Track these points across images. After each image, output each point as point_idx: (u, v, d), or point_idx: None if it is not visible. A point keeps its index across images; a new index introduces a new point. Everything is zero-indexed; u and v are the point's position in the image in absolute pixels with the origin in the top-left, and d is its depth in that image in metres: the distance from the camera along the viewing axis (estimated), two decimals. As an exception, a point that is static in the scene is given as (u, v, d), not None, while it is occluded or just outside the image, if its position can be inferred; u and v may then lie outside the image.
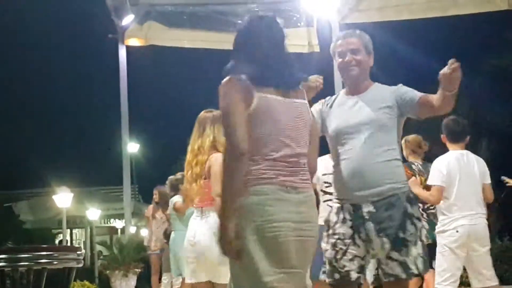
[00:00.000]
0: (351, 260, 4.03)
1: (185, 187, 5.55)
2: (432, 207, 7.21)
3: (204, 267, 5.23)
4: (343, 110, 4.17)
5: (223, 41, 12.61)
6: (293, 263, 3.29)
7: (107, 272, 13.06)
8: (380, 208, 3.93)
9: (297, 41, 12.69)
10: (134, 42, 12.58)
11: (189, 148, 5.51)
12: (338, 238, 4.06)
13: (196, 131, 5.52)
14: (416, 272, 3.92)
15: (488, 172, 6.47)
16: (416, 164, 7.50)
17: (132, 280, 13.22)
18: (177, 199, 9.14)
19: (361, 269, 4.05)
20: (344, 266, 4.03)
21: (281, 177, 3.29)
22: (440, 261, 6.28)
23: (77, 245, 23.82)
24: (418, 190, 6.62)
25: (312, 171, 3.46)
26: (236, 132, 3.21)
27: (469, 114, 15.32)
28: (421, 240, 3.97)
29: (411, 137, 7.55)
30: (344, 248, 4.04)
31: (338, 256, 4.05)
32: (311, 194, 3.37)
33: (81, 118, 32.14)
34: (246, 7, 12.31)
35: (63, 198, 20.76)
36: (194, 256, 5.32)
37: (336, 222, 4.09)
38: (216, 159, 5.09)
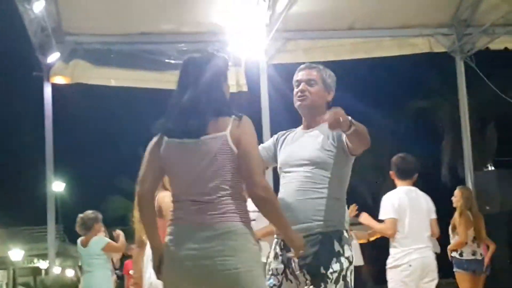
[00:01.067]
0: None
1: (138, 228, 5.53)
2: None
3: None
4: (292, 145, 4.22)
5: (150, 79, 12.66)
6: None
7: (31, 315, 12.75)
8: (307, 244, 3.89)
9: (225, 81, 12.80)
10: (59, 80, 12.44)
11: None
12: (272, 274, 4.08)
13: None
14: None
15: (434, 208, 6.73)
16: None
17: (58, 322, 12.93)
18: (106, 239, 8.88)
19: None
20: None
21: (184, 216, 3.43)
22: None
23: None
24: (373, 223, 6.74)
25: (258, 196, 3.42)
26: (139, 174, 3.59)
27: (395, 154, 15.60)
28: (345, 280, 3.94)
29: None
30: (278, 284, 4.06)
31: None
32: (225, 227, 3.36)
33: (5, 156, 31.46)
34: (174, 46, 12.37)
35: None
36: None
37: (272, 257, 4.14)
38: (163, 198, 5.10)
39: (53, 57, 12.12)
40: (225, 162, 3.39)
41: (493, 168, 20.95)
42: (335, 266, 3.92)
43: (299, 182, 4.03)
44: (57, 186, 24.52)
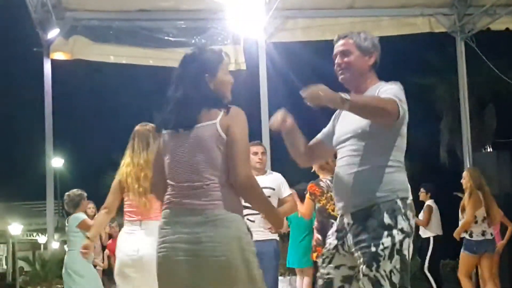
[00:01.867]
0: (336, 267, 3.91)
1: (135, 200, 5.49)
2: None
3: (148, 282, 4.88)
4: (342, 119, 4.04)
5: (149, 57, 12.66)
6: (186, 283, 3.47)
7: (29, 288, 12.86)
8: (357, 220, 3.77)
9: (224, 59, 12.81)
10: (59, 56, 12.45)
11: (130, 161, 5.52)
12: (326, 248, 3.99)
13: (136, 145, 5.52)
14: None
15: None
16: (324, 180, 7.71)
17: (56, 297, 13.02)
18: (83, 216, 8.79)
19: (347, 279, 3.89)
20: (328, 273, 3.93)
21: (177, 200, 3.54)
22: None
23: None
24: None
25: (239, 184, 3.49)
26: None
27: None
28: (400, 254, 3.70)
29: None
30: (330, 256, 3.94)
31: (324, 265, 3.96)
32: (214, 215, 3.45)
33: (4, 131, 31.50)
34: (172, 24, 12.36)
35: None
36: (136, 271, 5.27)
37: (331, 232, 4.02)
38: None
39: (53, 33, 12.13)
40: (215, 150, 3.50)
41: (491, 149, 20.99)
42: (386, 241, 3.67)
43: (346, 157, 3.88)
44: (57, 162, 24.56)
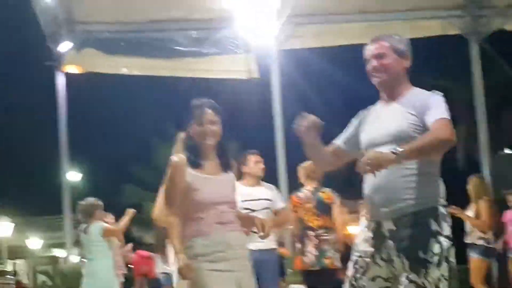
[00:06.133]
0: (372, 280, 3.81)
1: None
2: (325, 234, 7.48)
3: None
4: (374, 121, 3.95)
5: (161, 67, 12.66)
6: None
7: (51, 302, 12.87)
8: (401, 226, 3.70)
9: (236, 67, 12.77)
10: (72, 69, 12.48)
11: None
12: (359, 256, 3.86)
13: None
14: None
15: None
16: (305, 191, 7.75)
17: (76, 309, 13.00)
18: (103, 224, 8.73)
19: None
20: (364, 286, 3.82)
21: None
22: None
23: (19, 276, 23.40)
24: None
25: None
26: None
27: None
28: (448, 261, 3.68)
29: (306, 163, 7.65)
30: (365, 266, 3.82)
31: (358, 275, 3.85)
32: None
33: (20, 147, 31.62)
34: (184, 33, 12.34)
35: (2, 228, 20.36)
36: None
37: (361, 240, 3.90)
38: None
39: (64, 46, 12.14)
40: None
41: (509, 151, 20.79)
42: (435, 248, 3.65)
43: None
44: (73, 175, 24.61)
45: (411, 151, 3.53)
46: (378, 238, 3.80)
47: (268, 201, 6.59)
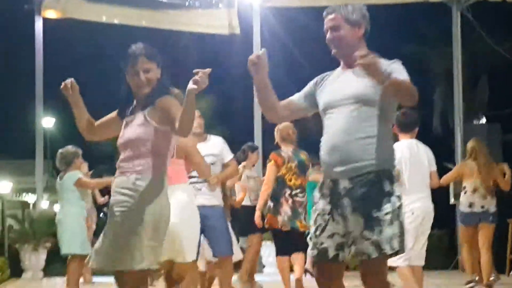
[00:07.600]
0: (329, 237, 3.92)
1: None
2: (300, 195, 7.52)
3: (166, 245, 4.62)
4: (333, 85, 4.04)
5: (141, 18, 12.53)
6: None
7: (17, 246, 12.88)
8: (356, 185, 3.83)
9: (217, 22, 12.67)
10: (51, 14, 12.32)
11: None
12: (318, 214, 3.97)
13: None
14: (389, 252, 3.78)
15: (434, 160, 6.93)
16: (285, 151, 7.80)
17: (43, 255, 13.04)
18: (79, 174, 8.70)
19: (341, 247, 3.92)
20: (322, 243, 3.93)
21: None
22: None
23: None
24: None
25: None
26: None
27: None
28: (399, 220, 3.83)
29: (282, 125, 7.76)
30: (323, 224, 3.94)
31: (317, 232, 3.96)
32: (126, 180, 4.09)
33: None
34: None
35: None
36: None
37: (318, 198, 4.01)
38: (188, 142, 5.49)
39: (44, -9, 11.99)
40: None
41: (484, 120, 20.98)
42: (387, 207, 3.81)
43: (345, 122, 3.89)
44: (47, 121, 24.46)
45: (395, 80, 3.68)
46: (334, 195, 3.93)
47: (212, 157, 6.66)
